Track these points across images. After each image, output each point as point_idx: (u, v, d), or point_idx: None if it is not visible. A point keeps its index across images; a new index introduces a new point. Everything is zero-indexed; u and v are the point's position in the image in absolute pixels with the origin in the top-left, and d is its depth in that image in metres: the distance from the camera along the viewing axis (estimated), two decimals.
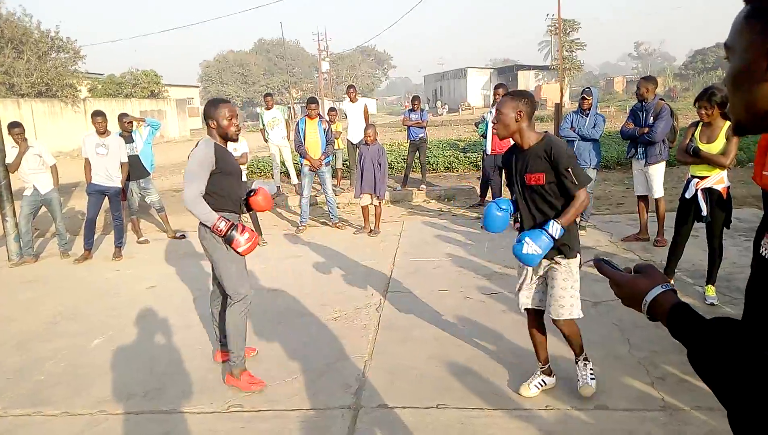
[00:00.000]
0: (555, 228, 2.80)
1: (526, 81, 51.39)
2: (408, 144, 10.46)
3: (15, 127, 6.78)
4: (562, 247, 2.95)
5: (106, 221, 8.68)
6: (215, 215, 3.25)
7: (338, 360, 3.83)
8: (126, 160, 7.01)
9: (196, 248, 7.02)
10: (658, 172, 5.92)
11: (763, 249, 0.95)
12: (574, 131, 6.50)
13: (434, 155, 13.27)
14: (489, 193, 8.27)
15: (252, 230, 3.35)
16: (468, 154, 13.61)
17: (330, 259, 6.34)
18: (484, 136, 7.94)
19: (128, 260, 6.80)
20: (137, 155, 7.49)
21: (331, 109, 11.45)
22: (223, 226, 3.23)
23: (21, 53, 27.00)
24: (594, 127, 6.39)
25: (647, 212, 6.23)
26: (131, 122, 7.59)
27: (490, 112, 7.34)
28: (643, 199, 6.15)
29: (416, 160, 10.31)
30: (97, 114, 6.89)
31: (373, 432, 2.96)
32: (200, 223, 3.35)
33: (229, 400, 3.33)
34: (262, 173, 12.53)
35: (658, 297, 1.10)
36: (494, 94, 7.21)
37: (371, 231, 7.40)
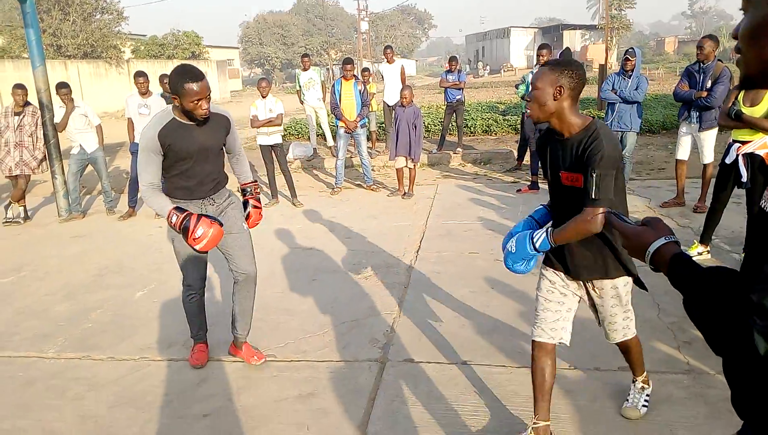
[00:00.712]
0: (539, 237, 2.25)
1: (571, 41, 49.64)
2: (445, 106, 10.36)
3: (63, 87, 7.02)
4: (599, 266, 2.35)
5: None
6: (168, 207, 2.88)
7: (368, 316, 3.95)
8: None
9: None
10: (709, 137, 5.74)
11: (764, 201, 0.97)
12: (615, 93, 6.33)
13: (472, 118, 13.07)
14: (527, 157, 8.16)
15: (211, 222, 2.88)
16: (507, 117, 13.35)
17: (363, 221, 6.44)
18: (524, 98, 7.80)
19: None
20: None
21: (365, 70, 11.38)
22: (174, 220, 2.85)
23: (67, 15, 27.54)
24: (636, 89, 6.20)
25: (685, 176, 6.07)
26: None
27: (531, 72, 7.19)
28: (683, 163, 5.99)
29: (453, 123, 10.21)
30: (139, 74, 7.06)
31: (399, 384, 3.07)
32: None
33: (263, 351, 3.49)
34: (299, 135, 12.64)
35: (660, 247, 1.15)
36: (538, 55, 7.03)
37: (405, 193, 7.45)
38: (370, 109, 10.29)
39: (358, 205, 7.24)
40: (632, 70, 6.23)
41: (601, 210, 2.08)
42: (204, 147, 3.02)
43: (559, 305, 2.47)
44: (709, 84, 5.52)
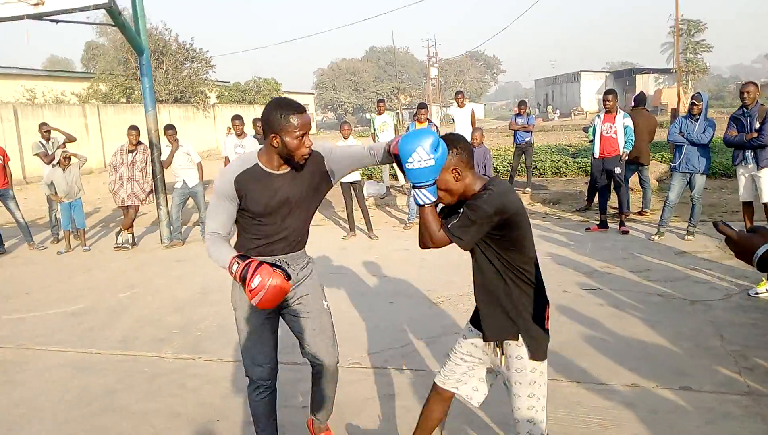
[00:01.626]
0: (427, 194, 2.11)
1: (645, 85, 48.96)
2: (514, 148, 10.74)
3: (169, 129, 7.97)
4: (505, 326, 2.22)
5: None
6: (230, 255, 2.33)
7: (442, 335, 4.34)
8: None
9: (312, 237, 7.80)
10: (765, 175, 5.85)
11: None
12: (682, 136, 6.53)
13: (541, 160, 13.36)
14: (596, 198, 8.36)
15: (274, 270, 2.24)
16: (577, 159, 13.55)
17: (433, 254, 6.82)
18: (592, 141, 8.08)
19: None
20: None
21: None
22: (235, 268, 2.28)
23: (161, 63, 30.09)
24: (703, 132, 6.39)
25: (752, 219, 6.14)
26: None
27: (598, 116, 7.49)
28: (749, 205, 6.08)
29: (522, 164, 10.56)
30: (236, 118, 7.91)
31: None
32: None
33: (350, 357, 3.94)
34: (372, 175, 13.31)
35: (767, 253, 1.33)
36: (604, 101, 7.34)
37: None
38: None
39: None
40: (699, 114, 6.43)
41: (444, 237, 2.14)
42: (287, 200, 2.46)
43: (461, 360, 2.41)
44: (757, 125, 5.70)
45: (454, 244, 2.13)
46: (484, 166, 7.61)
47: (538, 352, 2.19)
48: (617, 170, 7.14)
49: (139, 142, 8.03)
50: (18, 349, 4.59)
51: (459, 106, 10.62)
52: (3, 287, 6.41)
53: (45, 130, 8.67)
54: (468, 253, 2.30)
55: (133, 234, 8.21)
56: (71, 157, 7.99)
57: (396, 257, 6.72)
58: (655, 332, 4.16)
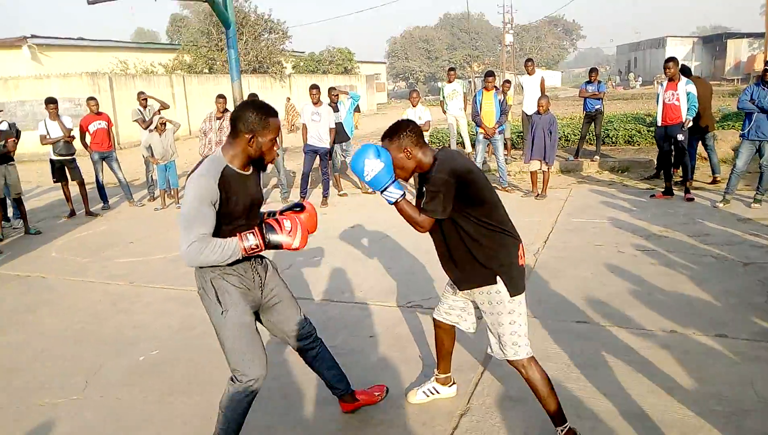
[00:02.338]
0: (395, 192, 2.47)
1: (736, 50, 45.74)
2: (584, 115, 10.73)
3: (253, 96, 8.62)
4: (467, 277, 2.59)
5: (312, 177, 10.43)
6: (233, 241, 2.35)
7: None
8: (333, 125, 8.51)
9: (383, 201, 8.30)
10: None
11: None
12: (753, 103, 6.47)
13: (614, 128, 13.15)
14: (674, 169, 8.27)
15: (289, 216, 2.51)
16: (652, 129, 13.24)
17: None
18: None
19: (332, 208, 8.33)
20: (341, 122, 8.98)
21: (506, 81, 12.06)
22: (252, 241, 2.36)
23: (241, 35, 31.21)
24: None
25: None
26: (338, 95, 9.09)
27: (661, 84, 7.47)
28: None
29: (591, 133, 10.56)
30: (313, 87, 8.45)
31: None
32: (196, 276, 2.48)
33: (408, 299, 4.42)
34: (439, 143, 13.61)
35: None
36: (665, 69, 7.31)
37: (538, 195, 8.06)
38: (506, 119, 10.96)
39: None
40: None
41: (426, 217, 2.45)
42: (256, 201, 2.54)
43: (456, 297, 2.81)
44: None
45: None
46: (550, 133, 7.79)
47: (515, 287, 2.52)
48: (680, 137, 7.14)
49: (226, 110, 8.74)
50: (131, 285, 5.40)
51: (529, 73, 10.69)
52: (110, 238, 7.33)
53: (142, 99, 9.59)
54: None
55: None
56: (167, 123, 8.83)
57: None
58: (702, 289, 4.38)
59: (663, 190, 7.62)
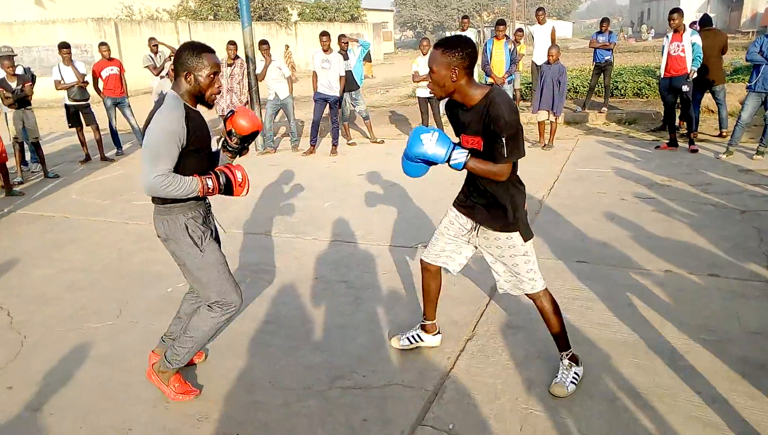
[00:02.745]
0: (459, 155, 2.42)
1: (753, 2, 44.54)
2: (593, 66, 10.71)
3: (264, 44, 8.65)
4: (493, 220, 2.63)
5: (321, 127, 10.54)
6: (194, 179, 2.44)
7: None
8: (344, 74, 8.56)
9: (391, 150, 8.46)
10: None
11: None
12: (762, 55, 6.51)
13: (623, 80, 13.07)
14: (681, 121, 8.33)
15: (240, 168, 2.65)
16: None
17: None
18: None
19: (341, 156, 8.48)
20: (351, 71, 9.02)
21: (518, 30, 11.96)
22: (211, 183, 2.50)
23: None
24: None
25: None
26: (348, 42, 9.09)
27: (666, 36, 7.47)
28: None
29: (600, 84, 10.56)
30: (323, 34, 8.46)
31: None
32: (155, 215, 2.59)
33: (418, 240, 4.65)
34: None
35: None
36: (669, 20, 7.27)
37: (545, 145, 8.18)
38: (517, 69, 10.94)
39: None
40: None
41: (505, 165, 2.41)
42: (209, 138, 2.64)
43: (450, 239, 2.82)
44: None
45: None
46: (559, 83, 7.84)
47: (527, 234, 2.65)
48: (685, 88, 7.19)
49: (237, 57, 8.78)
50: (151, 225, 5.62)
51: (539, 23, 10.59)
52: (127, 181, 7.53)
53: (153, 45, 9.61)
54: None
55: None
56: None
57: None
58: (699, 234, 4.58)
59: (668, 141, 7.72)
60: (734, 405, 2.54)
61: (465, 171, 2.55)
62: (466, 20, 11.18)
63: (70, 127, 8.80)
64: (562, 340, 2.75)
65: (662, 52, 7.50)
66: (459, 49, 2.39)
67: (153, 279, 4.31)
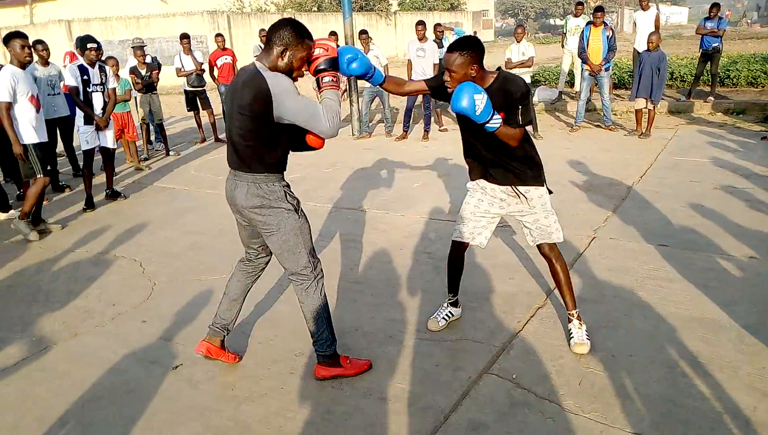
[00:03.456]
0: (497, 119, 2.69)
1: None
2: (699, 54, 10.24)
3: (363, 33, 9.10)
4: (523, 176, 2.97)
5: (414, 113, 10.88)
6: (327, 93, 2.60)
7: (587, 212, 5.06)
8: (437, 62, 8.83)
9: None
10: None
11: None
12: None
13: (737, 69, 12.34)
14: None
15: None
16: None
17: (596, 153, 7.33)
18: None
19: (432, 141, 8.79)
20: None
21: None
22: (328, 79, 2.62)
23: None
24: None
25: None
26: (443, 31, 9.35)
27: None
28: None
29: (707, 72, 10.08)
30: (419, 23, 8.77)
31: (604, 249, 4.21)
32: (249, 185, 2.63)
33: (500, 221, 4.88)
34: (546, 82, 13.46)
35: None
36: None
37: (642, 133, 8.02)
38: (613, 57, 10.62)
39: (594, 140, 8.08)
40: None
41: (521, 129, 2.79)
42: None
43: (481, 216, 3.10)
44: None
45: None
46: (659, 70, 7.66)
47: (547, 186, 3.03)
48: None
49: (338, 46, 9.28)
50: None
51: (643, 9, 10.28)
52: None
53: (263, 36, 10.35)
54: None
55: None
56: None
57: (556, 154, 7.33)
58: None
59: None
60: None
61: (469, 154, 3.08)
62: (580, 6, 11.03)
63: (188, 110, 9.74)
64: (571, 296, 3.07)
65: None
66: (471, 49, 2.71)
67: None
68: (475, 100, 2.61)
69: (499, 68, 2.99)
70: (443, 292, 3.70)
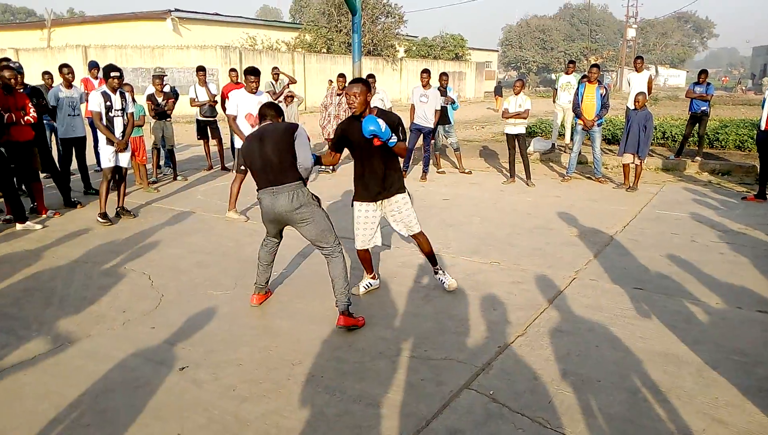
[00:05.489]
0: (395, 137, 3.83)
1: None
2: (688, 116, 10.77)
3: (371, 77, 9.59)
4: (394, 188, 4.18)
5: (414, 155, 11.33)
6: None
7: (571, 257, 5.39)
8: (439, 108, 9.31)
9: (478, 180, 9.04)
10: None
11: None
12: None
13: (725, 132, 12.91)
14: None
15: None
16: None
17: (584, 202, 7.72)
18: None
19: (430, 182, 9.18)
20: (446, 106, 9.76)
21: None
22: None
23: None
24: None
25: None
26: (447, 80, 9.86)
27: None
28: None
29: (695, 133, 10.60)
30: (425, 71, 9.28)
31: (582, 288, 4.52)
32: (295, 191, 3.79)
33: (489, 257, 5.19)
34: (542, 133, 14.00)
35: None
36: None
37: (629, 187, 8.43)
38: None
39: (583, 191, 8.49)
40: None
41: (405, 144, 4.01)
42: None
43: (370, 226, 4.24)
44: None
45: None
46: (645, 128, 8.13)
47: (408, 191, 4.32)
48: None
49: (345, 87, 9.79)
50: None
51: (637, 70, 10.85)
52: (243, 187, 8.61)
53: (275, 73, 10.85)
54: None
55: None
56: (294, 96, 10.06)
57: (546, 202, 7.72)
58: (765, 277, 4.79)
59: (756, 193, 7.76)
60: (748, 412, 2.89)
61: (366, 173, 4.11)
62: (572, 65, 11.71)
63: (198, 139, 10.16)
64: (433, 258, 4.49)
65: (762, 105, 7.61)
66: (369, 83, 4.06)
67: None
68: (380, 125, 3.71)
69: (376, 106, 4.06)
70: (433, 317, 4.00)
